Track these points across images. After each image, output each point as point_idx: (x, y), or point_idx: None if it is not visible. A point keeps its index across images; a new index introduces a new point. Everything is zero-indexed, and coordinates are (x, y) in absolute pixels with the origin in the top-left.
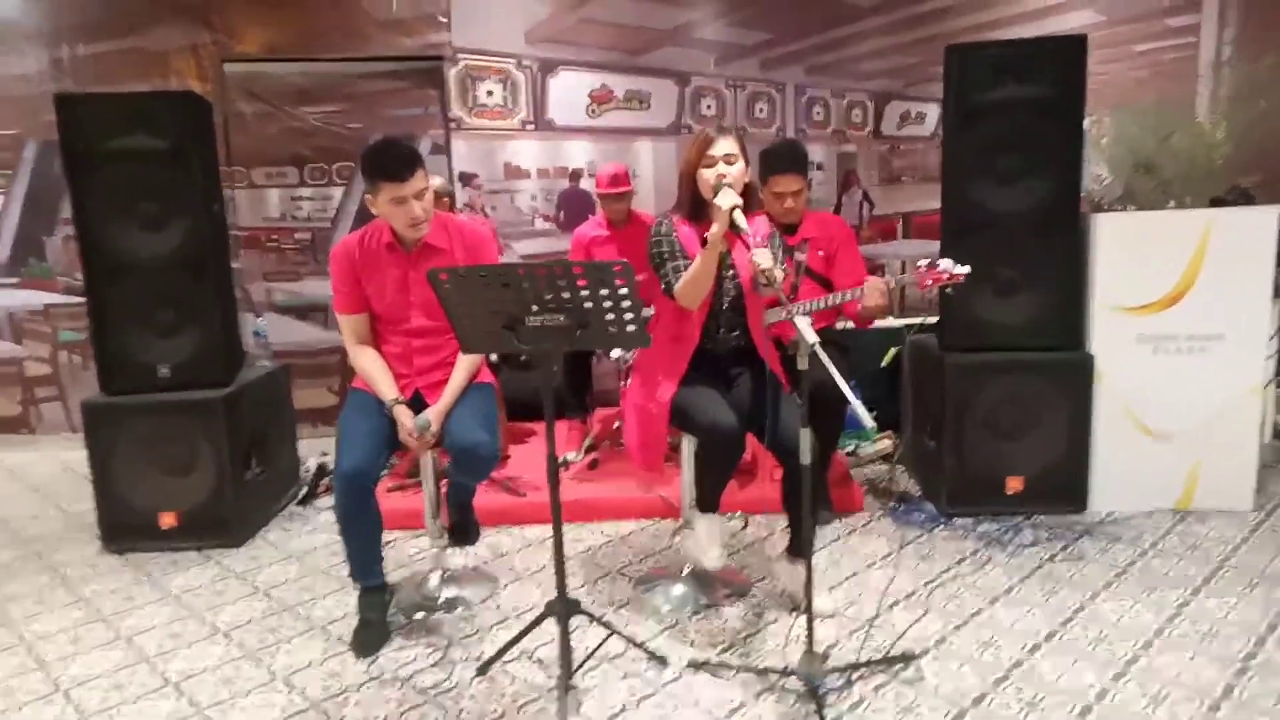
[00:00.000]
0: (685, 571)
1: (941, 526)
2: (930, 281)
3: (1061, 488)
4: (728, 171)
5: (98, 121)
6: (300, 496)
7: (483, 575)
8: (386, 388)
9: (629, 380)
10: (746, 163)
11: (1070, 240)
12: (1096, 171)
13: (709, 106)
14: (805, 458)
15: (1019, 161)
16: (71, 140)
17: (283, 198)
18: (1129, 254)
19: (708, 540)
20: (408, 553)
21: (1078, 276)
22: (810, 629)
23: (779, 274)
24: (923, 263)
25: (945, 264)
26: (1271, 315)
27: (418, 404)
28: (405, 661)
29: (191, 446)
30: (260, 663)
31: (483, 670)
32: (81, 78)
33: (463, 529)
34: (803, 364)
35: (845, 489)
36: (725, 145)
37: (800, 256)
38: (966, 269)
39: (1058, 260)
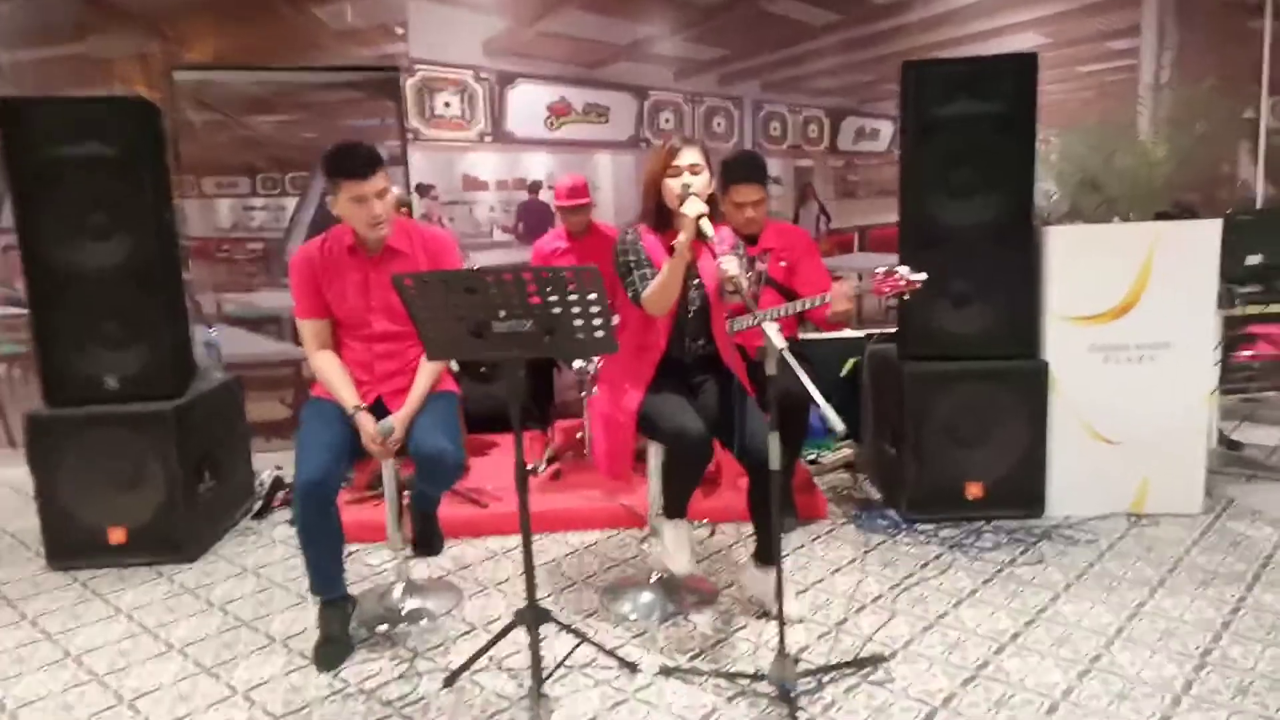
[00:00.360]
0: (652, 579)
1: (904, 532)
2: (887, 289)
3: (1020, 493)
4: (692, 181)
5: (43, 128)
6: (255, 510)
7: (446, 586)
8: (348, 394)
9: (594, 389)
10: (711, 174)
11: (1024, 253)
12: (1045, 188)
13: (667, 120)
14: (775, 463)
15: (973, 176)
16: (14, 148)
17: (234, 208)
18: (1080, 266)
19: (676, 546)
20: (369, 564)
21: (1031, 287)
22: (782, 633)
23: (745, 282)
24: (880, 269)
25: (902, 271)
26: (1216, 325)
27: (379, 411)
28: (370, 674)
29: (140, 460)
30: (218, 678)
31: (450, 681)
32: (22, 83)
33: (426, 539)
34: (771, 368)
35: (809, 496)
36: (690, 155)
37: (761, 266)
38: (923, 276)
39: (1012, 272)
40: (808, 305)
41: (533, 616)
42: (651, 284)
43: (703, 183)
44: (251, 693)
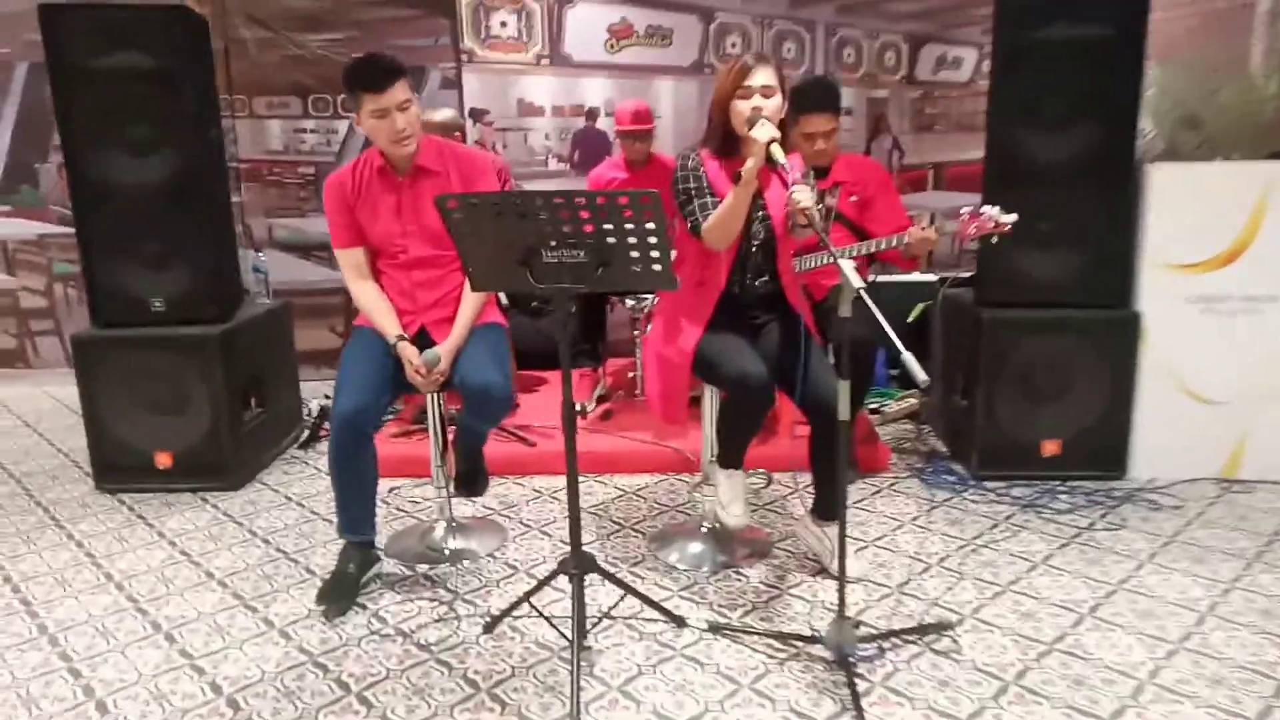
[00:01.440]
0: (703, 529)
1: (972, 490)
2: (974, 230)
3: (1101, 452)
4: (764, 104)
5: (83, 36)
6: (302, 440)
7: (491, 526)
8: (389, 324)
9: (649, 327)
10: (785, 97)
11: (1121, 192)
12: (1140, 125)
13: (734, 44)
14: (844, 413)
15: (1070, 106)
16: (56, 57)
17: (285, 129)
18: (1183, 209)
19: (731, 498)
20: (413, 500)
21: (1127, 231)
22: (842, 594)
23: (818, 214)
24: (965, 209)
25: (990, 212)
26: None
27: (423, 342)
28: (408, 615)
29: (186, 385)
30: (256, 611)
31: (490, 627)
32: None
33: (471, 478)
34: (845, 310)
35: (871, 447)
36: (763, 76)
37: (831, 201)
38: (1013, 217)
39: (1106, 213)
40: (881, 247)
41: (577, 564)
42: (713, 214)
43: (775, 106)
44: (289, 628)
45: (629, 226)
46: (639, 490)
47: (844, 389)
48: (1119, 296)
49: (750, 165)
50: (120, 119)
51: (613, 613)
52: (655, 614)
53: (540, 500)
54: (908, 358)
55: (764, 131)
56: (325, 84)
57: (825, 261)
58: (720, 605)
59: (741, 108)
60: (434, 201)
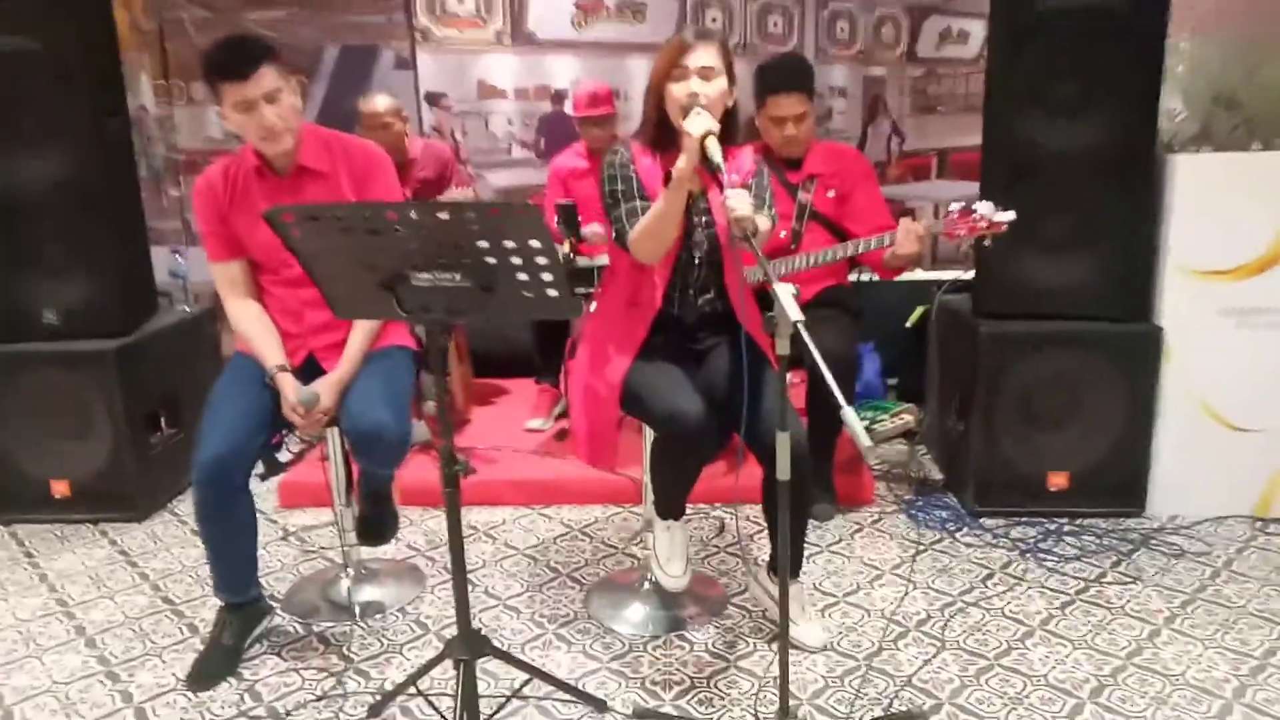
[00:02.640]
0: (643, 586)
1: (966, 528)
2: (964, 231)
3: (1115, 486)
4: (702, 90)
5: None
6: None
7: (407, 573)
8: (270, 351)
9: (575, 352)
10: (730, 80)
11: (1140, 187)
12: (1170, 106)
13: (714, 19)
14: (783, 471)
15: (1081, 89)
16: None
17: None
18: (1213, 206)
19: (669, 553)
20: (313, 539)
21: (1147, 232)
22: (784, 693)
23: (764, 222)
24: (955, 207)
25: (983, 209)
26: None
27: (311, 372)
28: (287, 690)
29: (83, 406)
30: (116, 680)
31: (375, 710)
32: None
33: (375, 525)
34: (782, 346)
35: (853, 477)
36: (703, 55)
37: (804, 197)
38: (1010, 216)
39: (1123, 211)
40: (858, 250)
41: (466, 648)
42: (641, 221)
43: (716, 91)
44: (147, 705)
45: (508, 244)
46: (587, 526)
47: (783, 442)
48: (1137, 308)
49: (682, 164)
50: (6, 111)
51: (526, 691)
52: (572, 696)
53: (474, 539)
54: (849, 415)
55: (698, 124)
56: None
57: (801, 266)
58: (654, 681)
59: (677, 92)
60: (264, 217)
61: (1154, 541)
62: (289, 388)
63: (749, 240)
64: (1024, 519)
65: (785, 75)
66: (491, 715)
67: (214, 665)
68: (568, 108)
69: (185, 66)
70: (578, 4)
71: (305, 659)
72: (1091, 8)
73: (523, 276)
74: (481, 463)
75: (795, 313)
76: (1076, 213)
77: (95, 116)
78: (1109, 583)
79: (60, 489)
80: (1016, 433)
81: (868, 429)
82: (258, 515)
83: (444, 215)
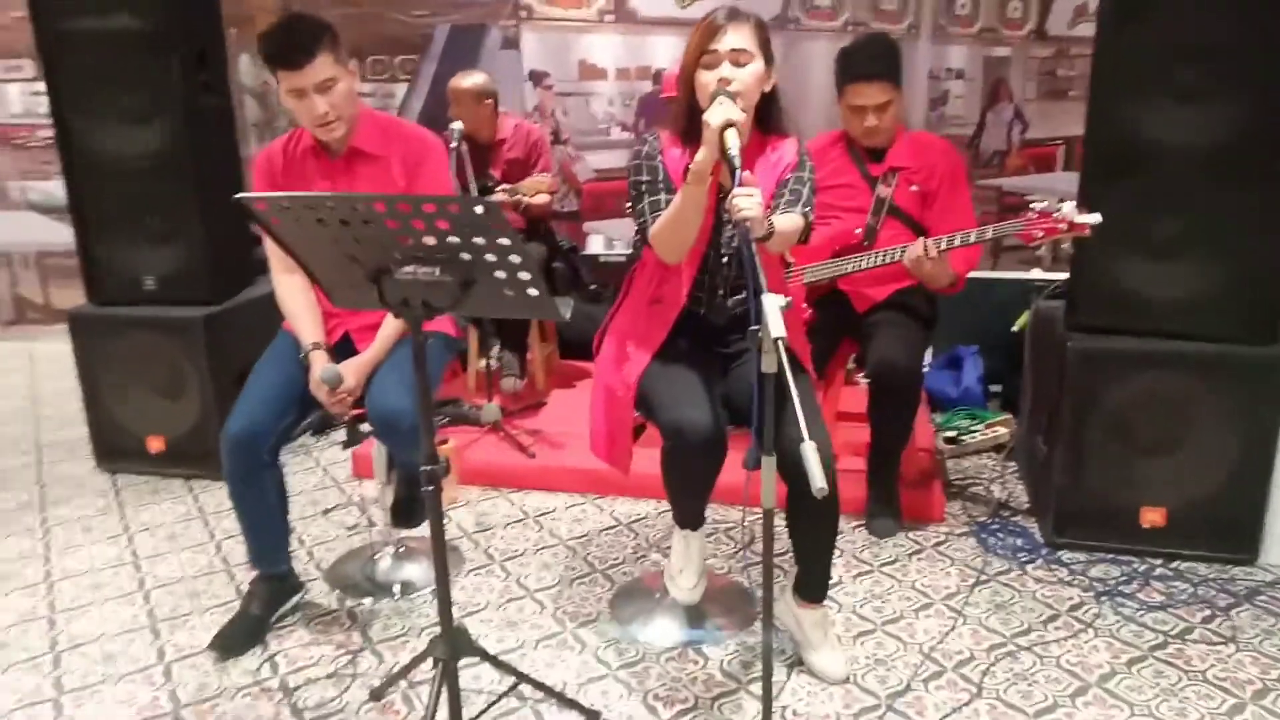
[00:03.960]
0: (660, 597)
1: (1040, 561)
2: (1041, 233)
3: (1222, 527)
4: (734, 75)
5: None
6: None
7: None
8: (308, 329)
9: (600, 346)
10: (768, 62)
11: (1271, 188)
12: None
13: None
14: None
15: (1205, 74)
16: (41, 18)
17: None
18: None
19: (681, 563)
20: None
21: (1276, 240)
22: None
23: (785, 223)
24: (1035, 206)
25: (1064, 209)
26: None
27: (345, 352)
28: (304, 664)
29: (177, 368)
30: (157, 638)
31: (377, 695)
32: None
33: (407, 508)
34: (767, 364)
35: (923, 491)
36: (735, 37)
37: (884, 191)
38: (1095, 218)
39: (1248, 215)
40: (863, 265)
41: (447, 650)
42: (661, 217)
43: (750, 75)
44: (174, 665)
45: (478, 241)
46: (635, 521)
47: (809, 451)
48: (1262, 328)
49: (701, 157)
50: (110, 87)
51: (525, 693)
52: (565, 705)
53: (521, 525)
54: (807, 451)
55: (718, 113)
56: (382, 44)
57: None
58: (658, 696)
59: (706, 79)
60: (234, 204)
61: (1262, 597)
62: (317, 366)
63: (749, 245)
64: (1108, 556)
65: (866, 61)
66: (478, 715)
67: (239, 634)
68: None
69: None
70: None
71: (329, 634)
72: None
73: (500, 274)
74: (547, 447)
75: (777, 327)
76: (1194, 217)
77: (194, 93)
78: (1194, 640)
79: (156, 445)
80: (1108, 458)
81: (957, 439)
82: (330, 483)
83: (404, 208)
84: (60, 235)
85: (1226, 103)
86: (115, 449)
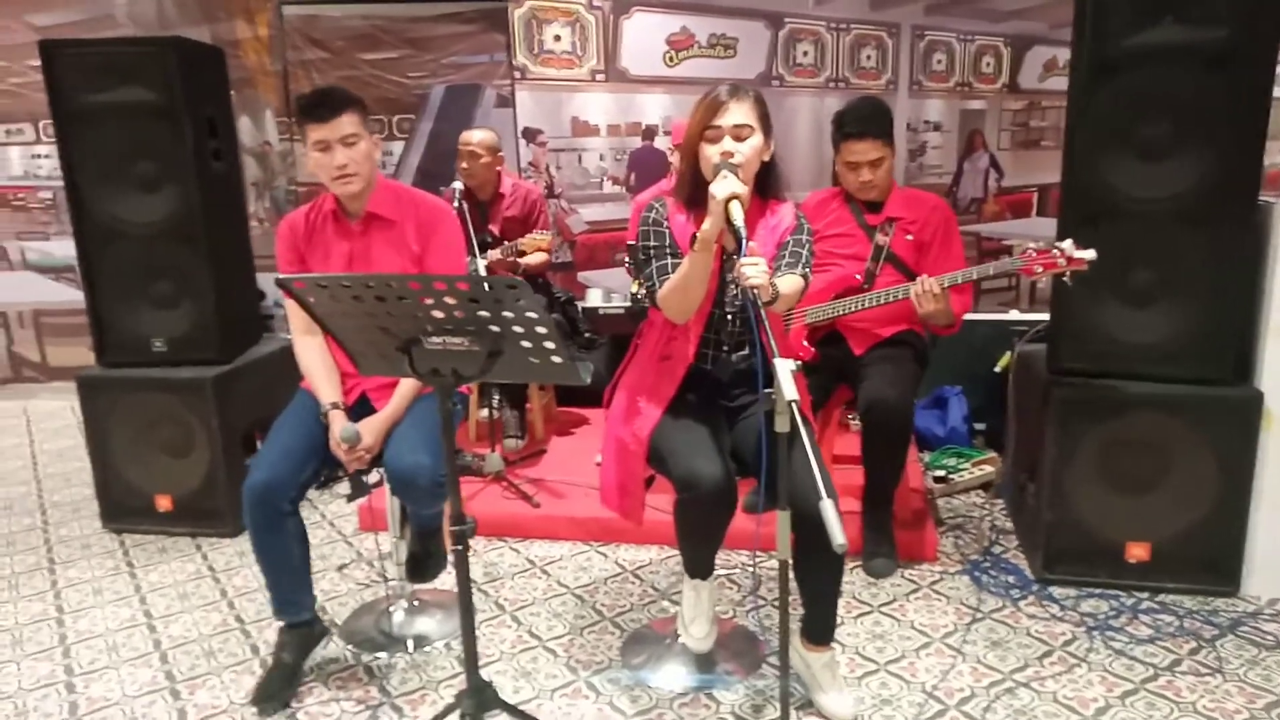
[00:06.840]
0: (670, 643)
1: (1032, 597)
2: (1040, 268)
3: (1204, 561)
4: (736, 149)
5: (82, 72)
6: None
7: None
8: (326, 389)
9: (610, 400)
10: (767, 134)
11: (1239, 235)
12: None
13: (805, 53)
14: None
15: (1172, 130)
16: (56, 93)
17: None
18: None
19: (693, 614)
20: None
21: (1245, 286)
22: None
23: (787, 285)
24: (1031, 246)
25: (1063, 246)
26: None
27: (363, 411)
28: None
29: (185, 428)
30: (177, 698)
31: None
32: (141, 21)
33: (420, 562)
34: (780, 424)
35: (916, 531)
36: (737, 113)
37: (881, 239)
38: (1090, 254)
39: (1217, 262)
40: (869, 304)
41: (473, 704)
42: (669, 280)
43: (751, 149)
44: None
45: (506, 314)
46: (640, 568)
47: (828, 509)
48: (1233, 369)
49: (708, 227)
50: (122, 156)
51: None
52: None
53: (529, 574)
54: (827, 510)
55: (722, 187)
56: (380, 105)
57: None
58: None
59: (710, 153)
60: (277, 284)
61: (1244, 628)
62: (336, 424)
63: (756, 309)
64: (1097, 591)
65: (859, 120)
66: None
67: (275, 686)
68: (658, 143)
69: None
70: (670, 40)
71: (348, 689)
72: (1184, 42)
73: (526, 344)
74: (550, 496)
75: (791, 391)
76: (1164, 262)
77: (205, 160)
78: (1183, 672)
79: (163, 503)
80: (1093, 496)
81: (946, 478)
82: (337, 537)
83: (439, 286)
84: (58, 294)
85: (1191, 157)
86: (123, 508)
